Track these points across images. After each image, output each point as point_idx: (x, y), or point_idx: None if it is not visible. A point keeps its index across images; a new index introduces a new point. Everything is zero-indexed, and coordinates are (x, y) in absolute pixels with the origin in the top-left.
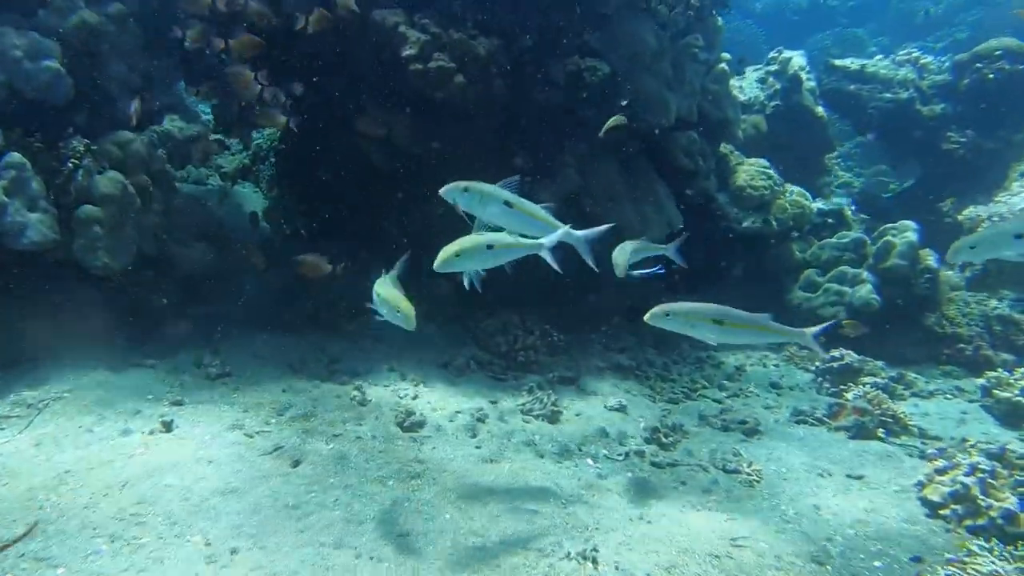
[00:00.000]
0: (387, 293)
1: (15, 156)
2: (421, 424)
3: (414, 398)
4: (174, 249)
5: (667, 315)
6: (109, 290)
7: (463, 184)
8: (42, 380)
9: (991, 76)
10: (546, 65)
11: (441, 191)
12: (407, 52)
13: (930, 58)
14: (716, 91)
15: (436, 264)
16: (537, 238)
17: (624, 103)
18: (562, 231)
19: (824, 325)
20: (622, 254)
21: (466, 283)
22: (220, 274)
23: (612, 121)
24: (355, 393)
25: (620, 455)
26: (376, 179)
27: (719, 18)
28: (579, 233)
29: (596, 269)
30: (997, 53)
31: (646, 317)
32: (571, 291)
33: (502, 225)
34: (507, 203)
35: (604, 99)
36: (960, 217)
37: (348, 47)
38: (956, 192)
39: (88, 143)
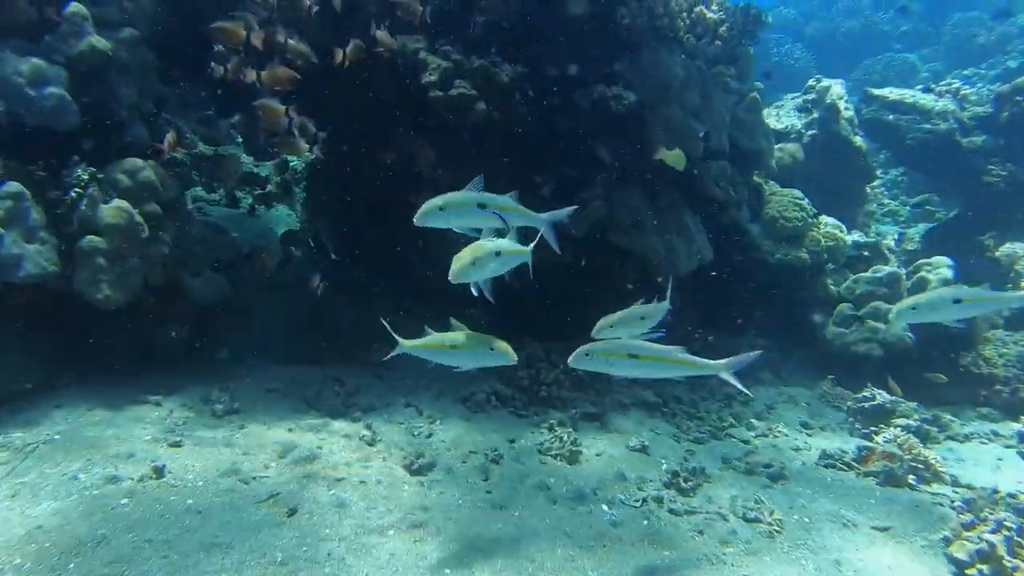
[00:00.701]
0: (465, 338)
1: (13, 185)
2: (431, 466)
3: (428, 436)
4: (187, 279)
5: (587, 355)
6: (114, 323)
7: (438, 203)
8: (35, 420)
9: None
10: (572, 93)
11: (417, 220)
12: (427, 79)
13: (971, 89)
14: (748, 120)
15: (452, 275)
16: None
17: (702, 134)
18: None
19: (742, 357)
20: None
21: (474, 290)
22: (237, 303)
23: (672, 157)
24: (365, 432)
25: (637, 501)
26: (401, 206)
27: (750, 48)
28: (543, 216)
29: (559, 252)
30: None
31: (569, 362)
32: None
33: (482, 227)
34: (481, 205)
35: (631, 127)
36: (997, 253)
37: (373, 75)
38: (998, 226)
39: (94, 171)
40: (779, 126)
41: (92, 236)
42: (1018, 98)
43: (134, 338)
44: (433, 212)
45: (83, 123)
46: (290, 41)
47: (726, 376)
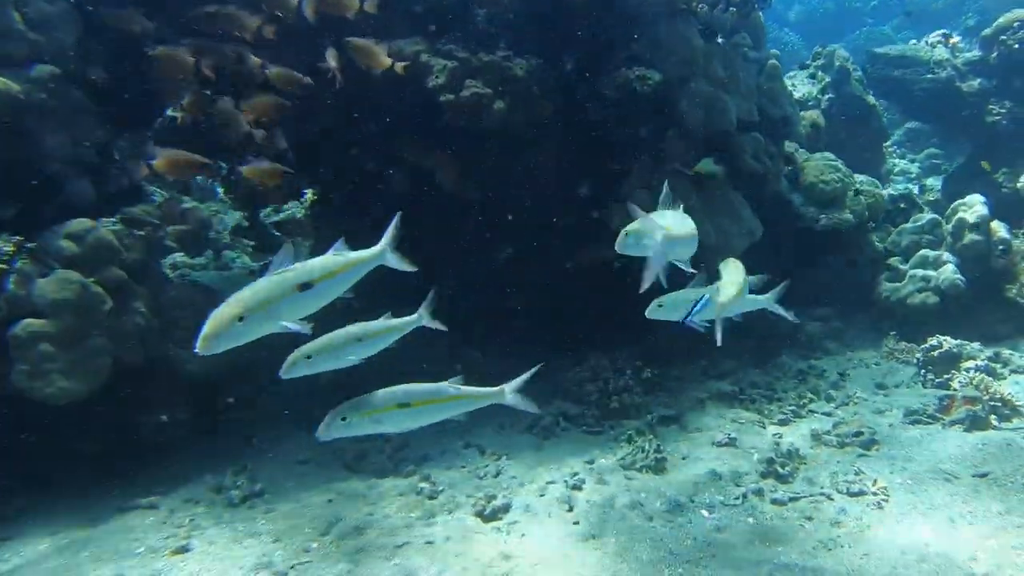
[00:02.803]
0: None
1: None
2: (506, 508)
3: (496, 475)
4: (174, 352)
5: (345, 421)
6: (81, 420)
7: (235, 312)
8: None
9: (1016, 46)
10: (594, 81)
11: (202, 350)
12: (433, 83)
13: (958, 37)
14: (771, 89)
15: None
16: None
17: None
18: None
19: (521, 378)
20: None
21: None
22: (242, 367)
23: (704, 167)
24: (423, 485)
25: (737, 498)
26: (428, 231)
27: (760, 14)
28: (379, 248)
29: (415, 269)
30: (1016, 24)
31: (319, 435)
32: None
33: (327, 300)
34: (305, 285)
35: (662, 108)
36: (1017, 186)
37: (366, 91)
38: (1007, 162)
39: (20, 240)
40: (797, 95)
41: (29, 320)
42: (1002, 37)
43: (111, 433)
44: (231, 327)
45: None
46: (272, 68)
47: (511, 400)
